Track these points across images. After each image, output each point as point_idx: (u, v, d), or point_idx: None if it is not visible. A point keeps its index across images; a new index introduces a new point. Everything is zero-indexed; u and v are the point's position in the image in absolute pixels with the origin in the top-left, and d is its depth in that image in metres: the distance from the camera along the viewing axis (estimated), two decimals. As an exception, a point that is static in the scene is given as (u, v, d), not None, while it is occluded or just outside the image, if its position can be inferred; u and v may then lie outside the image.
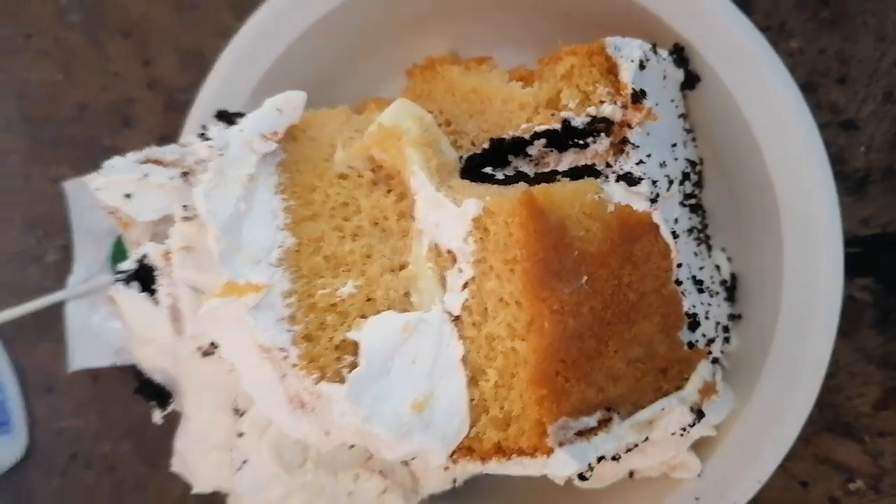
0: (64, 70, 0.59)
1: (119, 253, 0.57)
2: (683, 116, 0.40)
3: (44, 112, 0.60)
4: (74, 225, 0.59)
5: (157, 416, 0.40)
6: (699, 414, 0.33)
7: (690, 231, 0.39)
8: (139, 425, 0.59)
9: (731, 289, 0.41)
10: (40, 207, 0.61)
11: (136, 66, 0.57)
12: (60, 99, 0.60)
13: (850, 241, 0.43)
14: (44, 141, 0.60)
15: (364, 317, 0.33)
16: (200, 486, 0.40)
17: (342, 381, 0.31)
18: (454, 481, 0.41)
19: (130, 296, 0.36)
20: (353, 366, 0.31)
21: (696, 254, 0.39)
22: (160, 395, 0.39)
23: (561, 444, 0.29)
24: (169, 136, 0.56)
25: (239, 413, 0.37)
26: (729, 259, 0.42)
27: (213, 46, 0.51)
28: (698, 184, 0.41)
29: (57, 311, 0.59)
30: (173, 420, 0.42)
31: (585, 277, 0.31)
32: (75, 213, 0.59)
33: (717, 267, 0.41)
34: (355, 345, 0.32)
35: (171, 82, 0.57)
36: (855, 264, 0.43)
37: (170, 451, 0.42)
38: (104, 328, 0.58)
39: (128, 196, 0.37)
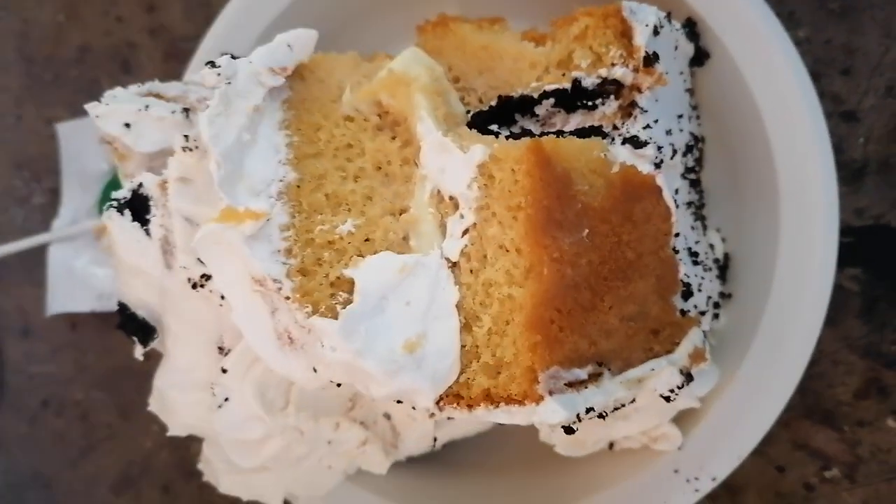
0: (67, 12, 0.58)
1: (107, 198, 0.56)
2: (690, 92, 0.40)
3: (43, 53, 0.59)
4: (64, 168, 0.58)
5: (139, 351, 0.39)
6: (688, 377, 0.33)
7: (689, 205, 0.39)
8: (114, 374, 0.59)
9: (723, 268, 0.41)
10: (31, 148, 0.60)
11: (141, 12, 0.57)
12: (61, 40, 0.59)
13: (842, 231, 0.43)
14: (41, 82, 0.59)
15: (361, 256, 0.32)
16: (176, 428, 0.40)
17: (335, 316, 0.30)
18: (434, 440, 0.41)
19: (123, 224, 0.35)
20: (348, 303, 0.31)
21: (693, 227, 0.39)
22: (143, 330, 0.39)
23: (551, 393, 0.29)
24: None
25: (224, 352, 0.37)
26: (723, 239, 0.42)
27: (221, -5, 0.51)
28: (699, 161, 0.42)
29: (40, 254, 0.58)
30: (149, 370, 0.41)
31: (587, 230, 0.31)
32: (66, 157, 0.58)
33: (711, 246, 0.41)
34: (351, 282, 0.31)
35: (174, 30, 0.56)
36: (846, 254, 0.43)
37: (142, 402, 0.42)
38: (87, 273, 0.57)
39: (127, 126, 0.36)
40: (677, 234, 0.36)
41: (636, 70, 0.34)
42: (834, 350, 0.44)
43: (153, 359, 0.41)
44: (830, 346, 0.44)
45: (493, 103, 0.37)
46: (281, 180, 0.33)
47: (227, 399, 0.35)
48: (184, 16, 0.56)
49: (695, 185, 0.40)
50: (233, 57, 0.40)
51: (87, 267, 0.57)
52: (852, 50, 0.44)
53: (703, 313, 0.37)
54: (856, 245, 0.43)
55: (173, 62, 0.56)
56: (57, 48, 0.60)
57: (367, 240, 0.33)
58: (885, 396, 0.43)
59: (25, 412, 0.60)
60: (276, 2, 0.44)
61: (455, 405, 0.31)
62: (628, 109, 0.35)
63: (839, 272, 0.43)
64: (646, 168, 0.33)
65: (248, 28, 0.45)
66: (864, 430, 0.43)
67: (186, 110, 0.38)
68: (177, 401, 0.38)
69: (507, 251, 0.31)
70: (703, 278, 0.38)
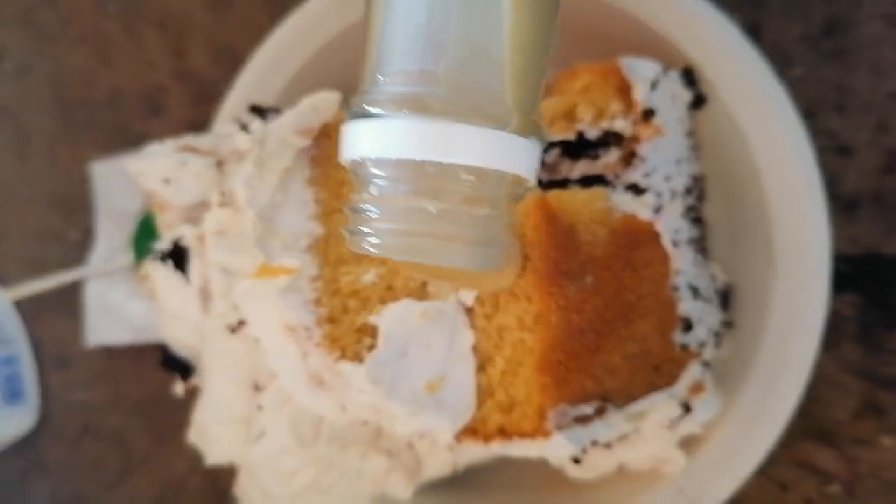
0: (99, 57, 0.62)
1: (141, 235, 0.60)
2: (690, 134, 0.43)
3: (76, 96, 0.63)
4: (99, 206, 0.62)
5: (179, 388, 0.43)
6: (686, 408, 0.36)
7: (690, 241, 0.41)
8: (149, 401, 0.62)
9: (724, 298, 0.44)
10: (65, 187, 0.64)
11: (169, 58, 0.60)
12: (93, 84, 0.62)
13: (838, 260, 0.46)
14: (74, 124, 0.63)
15: (384, 303, 0.35)
16: (214, 457, 0.43)
17: (361, 360, 0.33)
18: (454, 466, 0.44)
19: (164, 273, 0.39)
20: (373, 347, 0.34)
21: (694, 263, 0.41)
22: (183, 368, 0.42)
23: (559, 429, 0.32)
24: (196, 125, 0.59)
25: (259, 389, 0.40)
26: (724, 270, 0.45)
27: (245, 44, 0.54)
28: (700, 197, 0.44)
29: (76, 288, 0.62)
30: (183, 398, 0.44)
31: (590, 278, 0.33)
32: (101, 195, 0.61)
33: (714, 277, 0.44)
34: (375, 328, 0.34)
35: (201, 75, 0.59)
36: (842, 281, 0.46)
37: (177, 427, 0.45)
38: (123, 307, 0.60)
39: (167, 181, 0.39)
40: (678, 272, 0.38)
41: (635, 123, 0.37)
42: (831, 373, 0.46)
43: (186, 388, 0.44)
44: (828, 369, 0.46)
45: (504, 152, 0.40)
46: (310, 234, 0.36)
47: (262, 433, 0.38)
48: (211, 61, 0.60)
49: (696, 221, 0.43)
50: (260, 110, 0.43)
51: (123, 301, 0.60)
52: (845, 88, 0.46)
53: (703, 344, 0.40)
54: (851, 273, 0.46)
55: (202, 105, 0.59)
56: (89, 92, 0.63)
57: (389, 288, 0.36)
58: (881, 416, 0.45)
59: (66, 438, 0.64)
60: (300, 53, 0.47)
61: (472, 439, 0.34)
62: (629, 158, 0.38)
63: (836, 299, 0.46)
64: (646, 214, 0.36)
65: (274, 79, 0.48)
66: (862, 449, 0.46)
67: (219, 163, 0.41)
68: (215, 433, 0.41)
69: (518, 298, 0.34)
70: (703, 311, 0.40)
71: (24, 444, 0.64)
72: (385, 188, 0.24)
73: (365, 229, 0.24)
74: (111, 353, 0.62)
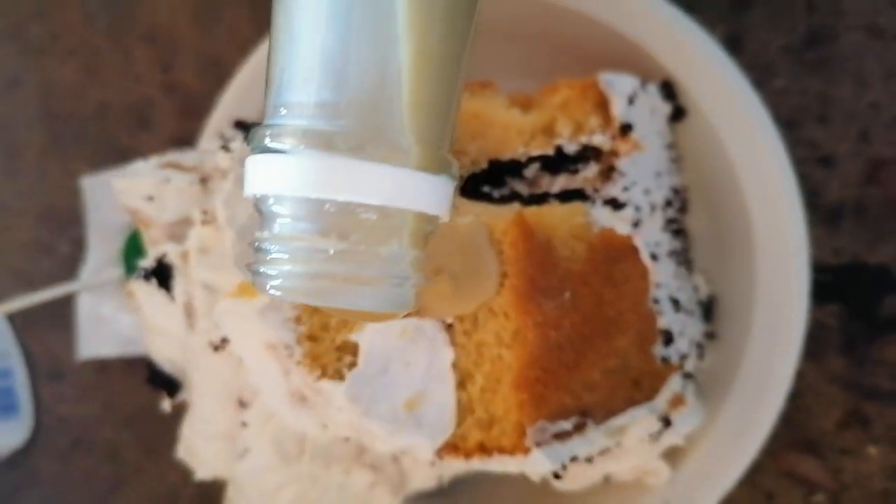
0: (87, 71, 0.62)
1: (130, 249, 0.60)
2: (670, 146, 0.43)
3: (65, 110, 0.63)
4: (90, 220, 0.62)
5: (166, 404, 0.43)
6: (666, 423, 0.36)
7: (671, 253, 0.42)
8: (140, 414, 0.62)
9: (707, 308, 0.44)
10: (55, 201, 0.64)
11: (156, 72, 0.60)
12: (82, 98, 0.63)
13: (821, 270, 0.46)
14: (63, 137, 0.63)
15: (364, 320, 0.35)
16: (203, 472, 0.43)
17: (342, 378, 0.34)
18: (440, 479, 0.44)
19: (149, 291, 0.39)
20: (353, 365, 0.34)
21: (675, 275, 0.41)
22: (170, 385, 0.42)
23: (538, 445, 0.32)
24: (184, 138, 0.59)
25: (243, 405, 0.40)
26: (708, 281, 0.45)
27: (232, 57, 0.54)
28: (682, 209, 0.44)
29: (67, 301, 0.62)
30: (173, 412, 0.45)
31: (568, 294, 0.34)
32: (91, 209, 0.62)
33: (696, 287, 0.44)
34: (355, 346, 0.34)
35: (188, 88, 0.60)
36: (825, 292, 0.46)
37: (168, 440, 0.45)
38: (114, 319, 0.60)
39: (150, 199, 0.40)
40: (658, 285, 0.39)
41: (614, 137, 0.37)
42: (816, 383, 0.46)
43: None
44: (812, 379, 0.46)
45: (485, 166, 0.40)
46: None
47: (247, 450, 0.38)
48: (198, 74, 0.60)
49: (677, 233, 0.43)
50: (244, 126, 0.44)
51: (114, 314, 0.60)
52: (827, 99, 0.46)
53: (685, 357, 0.40)
54: (834, 283, 0.46)
55: (189, 118, 0.60)
56: (78, 105, 0.63)
57: (369, 305, 0.36)
58: (865, 426, 0.45)
59: (57, 451, 0.64)
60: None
61: (453, 455, 0.34)
62: (608, 173, 0.38)
63: (819, 309, 0.46)
64: (624, 229, 0.36)
65: (259, 94, 0.48)
66: (846, 458, 0.46)
67: (203, 179, 0.41)
68: (202, 448, 0.41)
69: (496, 315, 0.34)
70: (685, 323, 0.41)
71: (16, 459, 0.64)
72: (285, 227, 0.23)
73: (267, 270, 0.24)
74: (102, 366, 0.63)
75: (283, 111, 0.23)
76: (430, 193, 0.23)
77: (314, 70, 0.22)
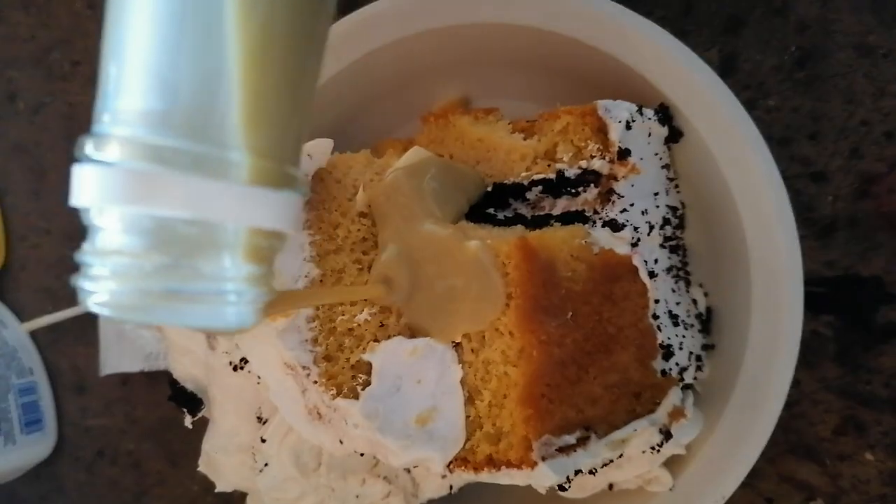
0: (106, 97, 0.64)
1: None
2: (667, 167, 0.45)
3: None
4: (110, 239, 0.64)
5: (188, 420, 0.45)
6: (667, 435, 0.38)
7: (669, 269, 0.43)
8: (162, 425, 0.64)
9: (706, 321, 0.46)
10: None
11: (173, 96, 0.63)
12: (102, 123, 0.65)
13: (816, 282, 0.48)
14: (85, 161, 0.66)
15: (377, 341, 0.37)
16: (223, 485, 0.45)
17: (356, 396, 0.36)
18: (451, 488, 0.46)
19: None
20: (367, 384, 0.36)
21: (673, 290, 0.43)
22: (191, 401, 0.44)
23: (544, 459, 0.34)
24: (201, 161, 0.61)
25: (262, 421, 0.42)
26: (706, 294, 0.46)
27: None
28: (680, 226, 0.46)
29: (90, 317, 0.64)
30: (196, 423, 0.47)
31: (570, 313, 0.35)
32: (111, 229, 0.64)
33: (695, 301, 0.46)
34: (369, 365, 0.36)
35: (204, 112, 0.62)
36: (820, 303, 0.48)
37: (189, 451, 0.47)
38: (136, 336, 0.63)
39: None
40: (657, 301, 0.40)
41: (612, 162, 0.39)
42: (813, 391, 0.48)
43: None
44: (810, 387, 0.48)
45: (490, 189, 0.42)
46: (306, 276, 0.38)
47: (266, 464, 0.41)
48: (212, 98, 0.62)
49: (675, 249, 0.45)
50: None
51: (136, 331, 0.62)
52: (818, 116, 0.48)
53: (685, 369, 0.42)
54: (828, 295, 0.47)
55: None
56: (98, 129, 0.66)
57: (382, 325, 0.38)
58: (862, 432, 0.47)
59: (83, 462, 0.66)
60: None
61: (463, 468, 0.36)
62: (607, 195, 0.40)
63: (815, 320, 0.48)
64: (623, 249, 0.38)
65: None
66: (844, 464, 0.47)
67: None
68: (222, 463, 0.43)
69: (502, 334, 0.36)
70: (684, 336, 0.42)
71: (43, 469, 0.66)
72: (106, 240, 0.22)
73: (88, 286, 0.22)
74: (125, 379, 0.65)
75: (107, 118, 0.21)
76: (266, 208, 0.22)
77: (140, 76, 0.21)
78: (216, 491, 0.45)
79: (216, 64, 0.21)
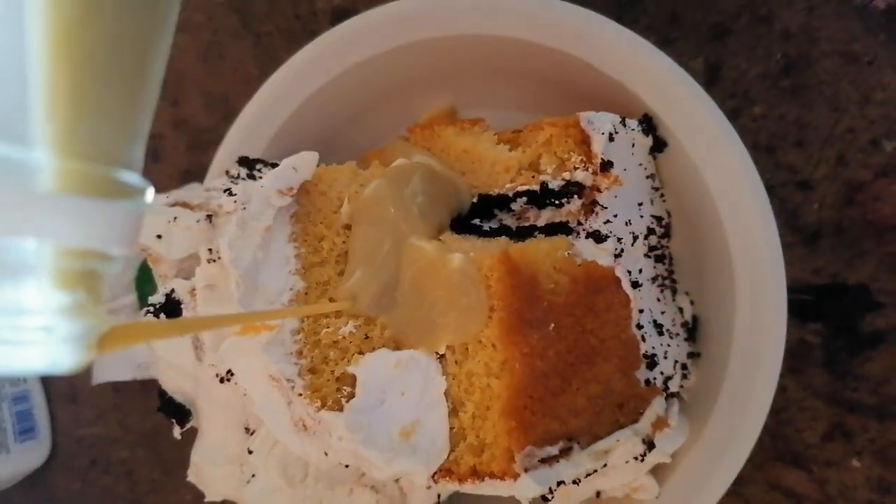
0: (97, 107, 0.65)
1: (143, 277, 0.62)
2: (652, 176, 0.45)
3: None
4: (102, 248, 0.64)
5: (177, 431, 0.45)
6: (650, 445, 0.38)
7: (655, 279, 0.44)
8: (154, 434, 0.65)
9: (692, 329, 0.46)
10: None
11: (166, 106, 0.63)
12: (93, 133, 0.65)
13: (802, 289, 0.48)
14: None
15: (362, 353, 0.38)
16: (212, 495, 0.45)
17: (341, 409, 0.36)
18: (438, 497, 0.46)
19: (159, 326, 0.41)
20: (351, 396, 0.36)
21: (659, 299, 0.43)
22: (180, 413, 0.44)
23: (526, 470, 0.34)
24: (192, 171, 0.61)
25: (249, 432, 0.42)
26: (692, 302, 0.47)
27: (237, 92, 0.57)
28: (666, 235, 0.46)
29: (83, 326, 0.64)
30: (187, 432, 0.47)
31: (553, 325, 0.36)
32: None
33: (681, 309, 0.46)
34: (353, 377, 0.37)
35: (196, 123, 0.62)
36: (806, 310, 0.48)
37: (182, 459, 0.47)
38: (127, 345, 0.63)
39: (159, 237, 0.42)
40: (642, 311, 0.41)
41: (595, 173, 0.39)
42: (800, 398, 0.48)
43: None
44: (797, 394, 0.48)
45: (475, 200, 0.43)
46: (291, 289, 0.38)
47: (253, 475, 0.41)
48: (204, 110, 0.62)
49: (661, 258, 0.45)
50: (246, 162, 0.46)
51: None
52: (804, 124, 0.48)
53: (669, 378, 0.42)
54: (815, 302, 0.48)
55: (196, 152, 0.62)
56: (90, 138, 0.66)
57: (366, 338, 0.38)
58: (849, 439, 0.47)
59: (76, 471, 0.67)
60: (286, 105, 0.50)
61: (447, 479, 0.36)
62: (590, 207, 0.40)
63: (802, 327, 0.48)
64: (606, 261, 0.38)
65: (262, 129, 0.50)
66: (831, 470, 0.47)
67: (209, 216, 0.43)
68: (211, 473, 0.43)
69: (485, 346, 0.36)
70: (668, 345, 0.43)
71: (36, 477, 0.67)
72: None
73: None
74: (118, 388, 0.65)
75: None
76: (76, 221, 0.18)
77: None
78: (206, 501, 0.45)
79: (18, 47, 0.17)
